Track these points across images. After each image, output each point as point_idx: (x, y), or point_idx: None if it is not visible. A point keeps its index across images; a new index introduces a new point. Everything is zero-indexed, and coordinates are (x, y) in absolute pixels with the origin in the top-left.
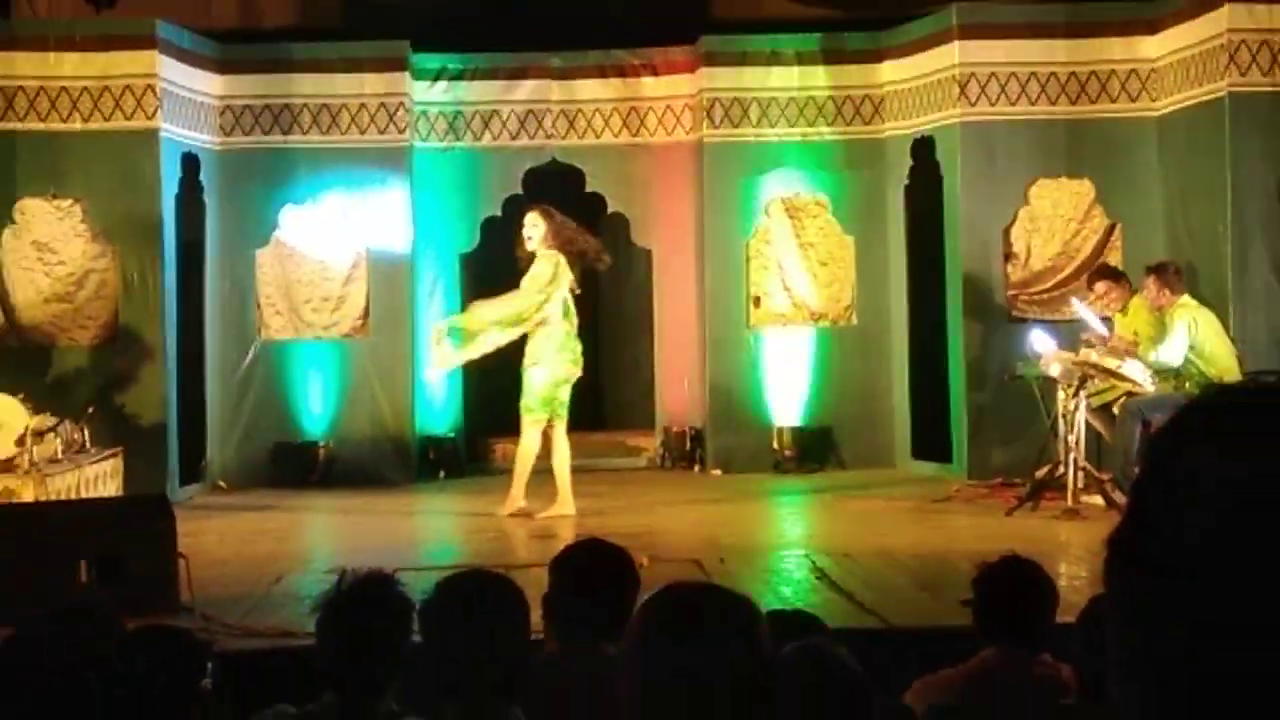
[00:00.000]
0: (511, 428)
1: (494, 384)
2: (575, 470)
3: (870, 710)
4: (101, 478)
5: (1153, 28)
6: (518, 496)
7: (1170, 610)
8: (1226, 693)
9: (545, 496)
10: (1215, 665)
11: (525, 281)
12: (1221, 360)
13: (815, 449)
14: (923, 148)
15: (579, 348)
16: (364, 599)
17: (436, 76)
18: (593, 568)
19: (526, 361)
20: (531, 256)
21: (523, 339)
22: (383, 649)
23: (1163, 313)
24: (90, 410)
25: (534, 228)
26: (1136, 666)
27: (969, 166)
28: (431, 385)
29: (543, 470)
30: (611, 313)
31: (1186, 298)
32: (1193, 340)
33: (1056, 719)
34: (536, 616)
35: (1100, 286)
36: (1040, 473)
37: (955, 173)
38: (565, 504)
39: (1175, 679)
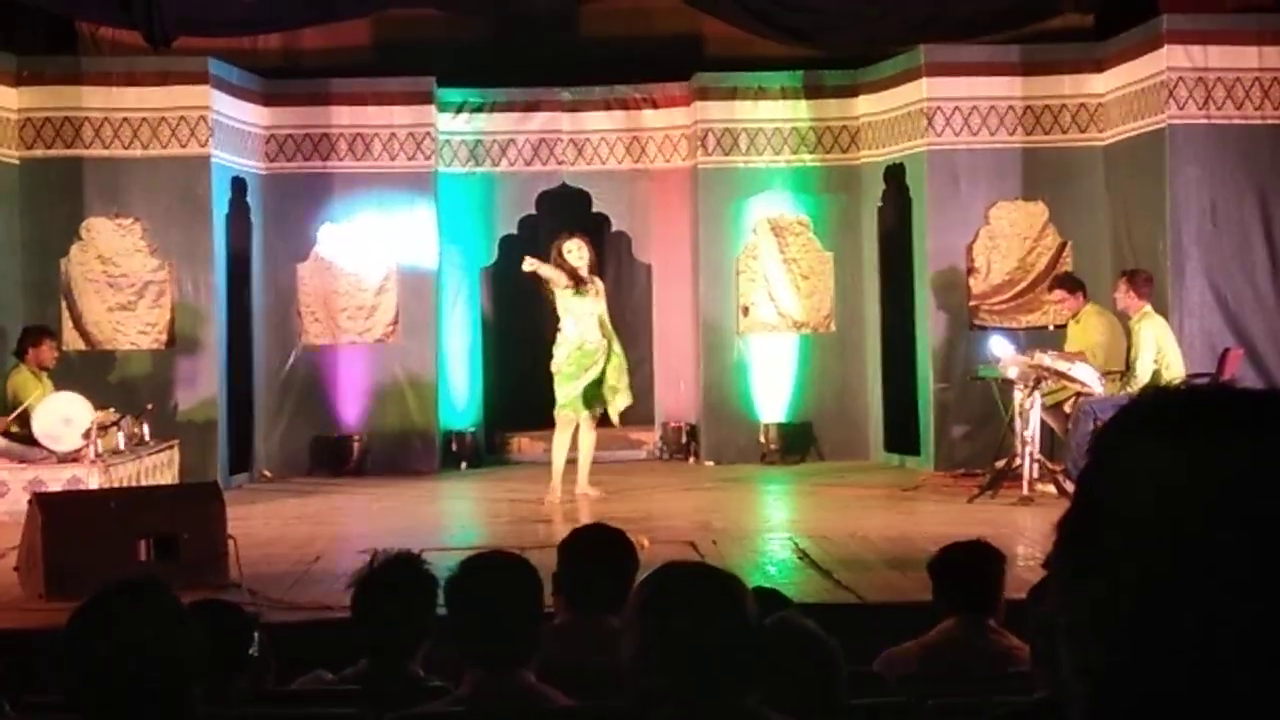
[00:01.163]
0: (527, 422)
1: (510, 383)
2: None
3: (839, 678)
4: (159, 468)
5: (1099, 66)
6: (553, 485)
7: (1111, 586)
8: (1161, 661)
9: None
10: (1148, 635)
11: (602, 302)
12: (1176, 365)
13: (797, 442)
14: (894, 173)
15: (585, 354)
16: (394, 576)
17: (459, 109)
18: (597, 548)
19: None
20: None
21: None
22: (410, 620)
23: (1127, 317)
24: (149, 407)
25: (583, 248)
26: (1080, 639)
27: (935, 190)
28: (454, 386)
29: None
30: (615, 321)
31: (1148, 307)
32: (1157, 348)
33: (1010, 684)
34: (548, 593)
35: (1058, 294)
36: (999, 464)
37: (923, 195)
38: (580, 484)
39: (1117, 649)
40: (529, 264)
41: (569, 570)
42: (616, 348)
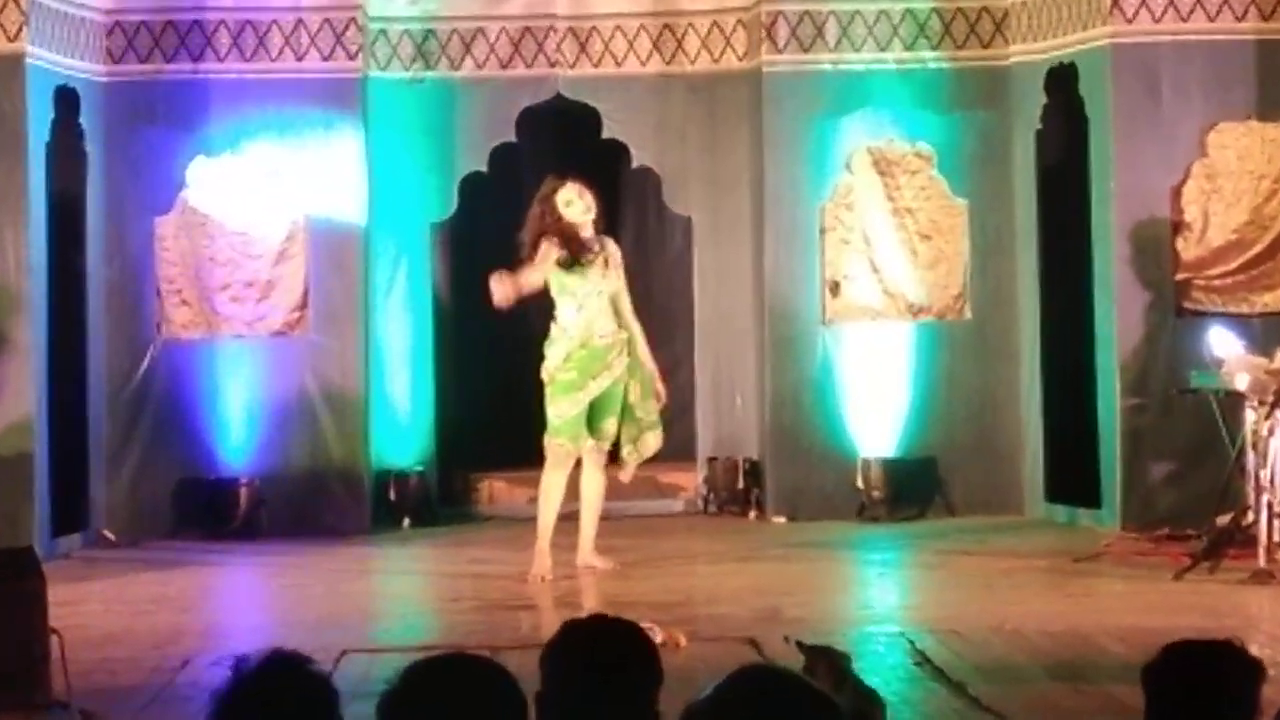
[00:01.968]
0: (500, 459)
1: (478, 400)
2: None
3: None
4: None
5: None
6: (540, 551)
7: None
8: None
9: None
10: None
11: (618, 276)
12: None
13: (914, 488)
14: (1061, 79)
15: (593, 353)
16: (271, 693)
17: None
18: (597, 655)
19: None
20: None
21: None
22: None
23: None
24: None
25: (583, 199)
26: None
27: (1124, 105)
28: (393, 403)
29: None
30: (637, 303)
31: None
32: None
33: None
34: None
35: None
36: (1222, 521)
37: (1105, 114)
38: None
39: None
40: (499, 291)
41: (556, 688)
42: (643, 349)
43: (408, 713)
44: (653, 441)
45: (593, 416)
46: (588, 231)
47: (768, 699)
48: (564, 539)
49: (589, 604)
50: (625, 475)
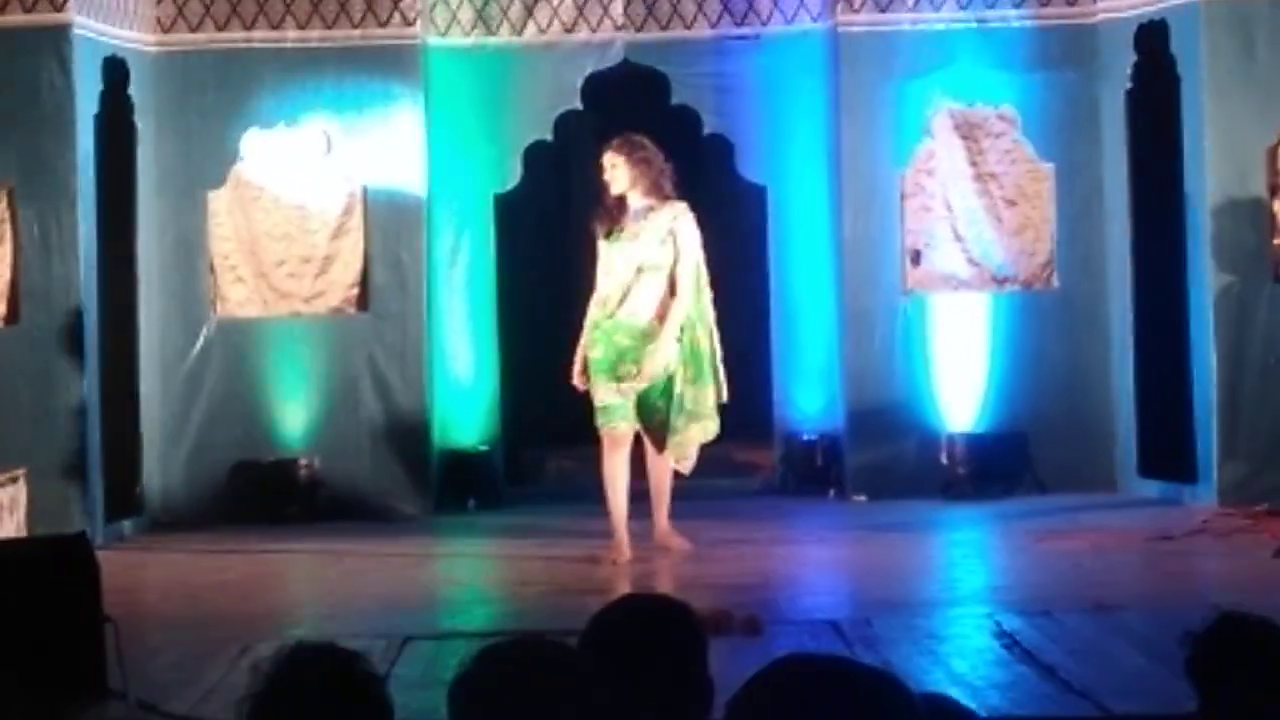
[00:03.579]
0: (571, 435)
1: (546, 377)
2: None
3: None
4: None
5: None
6: (617, 538)
7: None
8: None
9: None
10: None
11: (685, 251)
12: None
13: (1001, 465)
14: (1151, 37)
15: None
16: (307, 686)
17: None
18: (635, 639)
19: None
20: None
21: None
22: None
23: None
24: None
25: (615, 169)
26: None
27: (1218, 63)
28: (457, 381)
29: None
30: (709, 274)
31: None
32: None
33: None
34: None
35: None
36: None
37: (1198, 73)
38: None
39: None
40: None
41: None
42: (702, 330)
43: (481, 696)
44: (697, 434)
45: (643, 407)
46: (633, 199)
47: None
48: (638, 523)
49: (663, 587)
50: (683, 468)
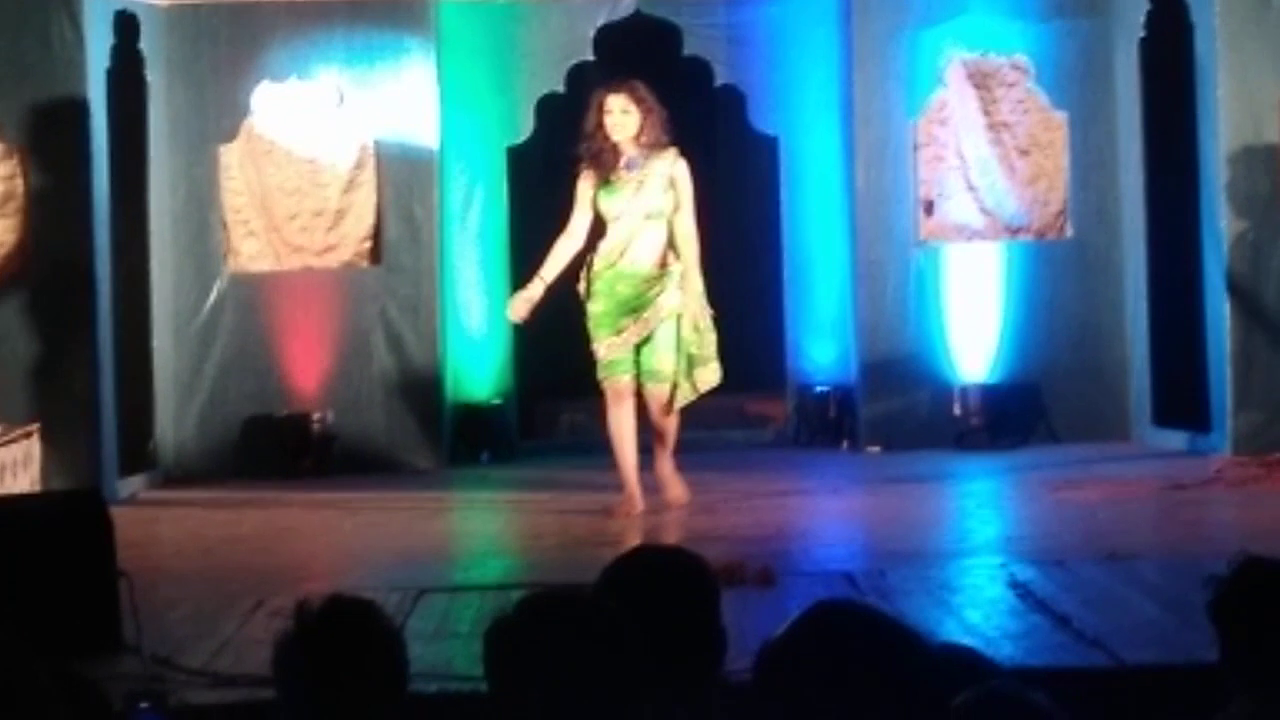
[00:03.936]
0: (583, 387)
1: (558, 329)
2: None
3: None
4: (10, 467)
5: None
6: (629, 490)
7: None
8: None
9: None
10: None
11: (670, 198)
12: None
13: (1014, 415)
14: None
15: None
16: (332, 638)
17: None
18: (649, 590)
19: None
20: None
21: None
22: (362, 702)
23: None
24: None
25: (626, 114)
26: None
27: (1234, 9)
28: (469, 334)
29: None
30: (721, 225)
31: None
32: None
33: None
34: None
35: None
36: None
37: (1211, 20)
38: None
39: None
40: (514, 312)
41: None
42: (695, 279)
43: (521, 644)
44: (709, 376)
45: (642, 356)
46: (628, 146)
47: (848, 634)
48: (648, 474)
49: (676, 539)
50: (682, 398)
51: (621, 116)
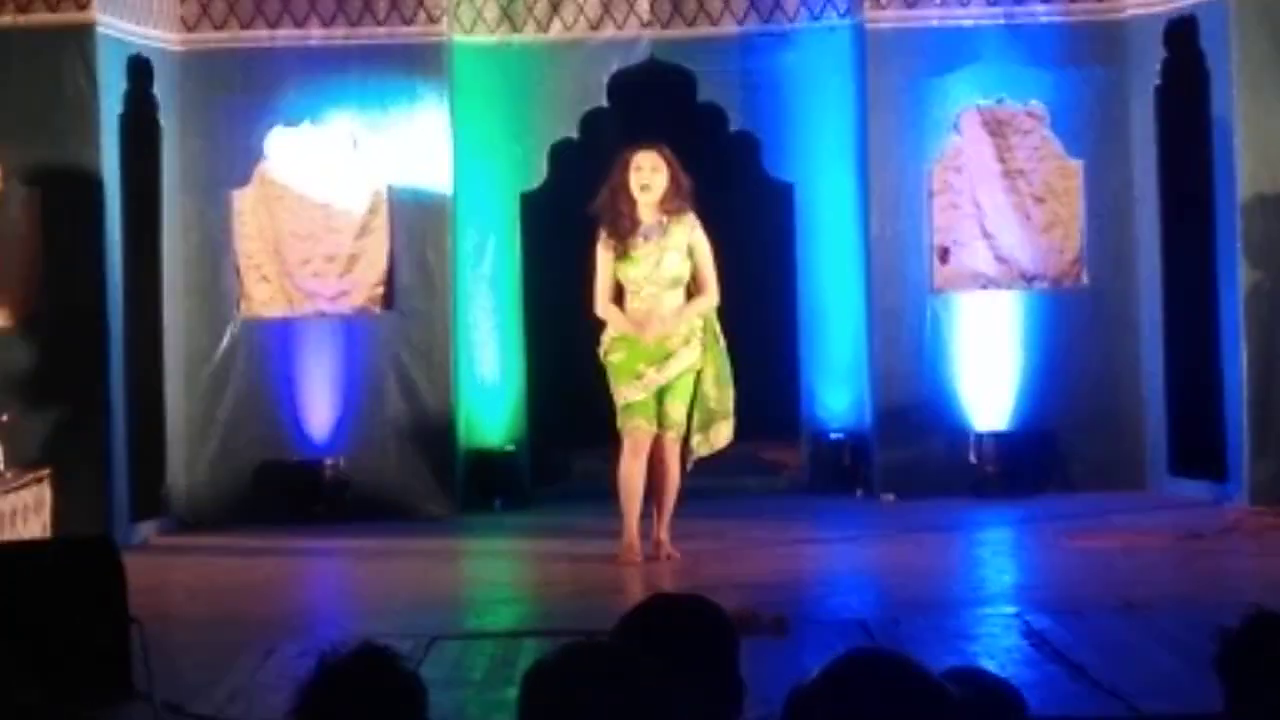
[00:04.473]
0: (598, 434)
1: (572, 375)
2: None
3: None
4: (20, 512)
5: None
6: (629, 539)
7: None
8: None
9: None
10: None
11: (686, 258)
12: None
13: (1030, 463)
14: (1182, 33)
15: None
16: (358, 689)
17: None
18: (669, 639)
19: None
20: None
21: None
22: None
23: None
24: (3, 419)
25: (656, 173)
26: None
27: (1250, 57)
28: (483, 380)
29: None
30: (735, 272)
31: None
32: None
33: None
34: None
35: None
36: None
37: (1228, 68)
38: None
39: None
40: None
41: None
42: (717, 329)
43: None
44: (725, 431)
45: (660, 403)
46: (647, 212)
47: (877, 683)
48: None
49: (689, 587)
50: (700, 450)
51: (651, 175)
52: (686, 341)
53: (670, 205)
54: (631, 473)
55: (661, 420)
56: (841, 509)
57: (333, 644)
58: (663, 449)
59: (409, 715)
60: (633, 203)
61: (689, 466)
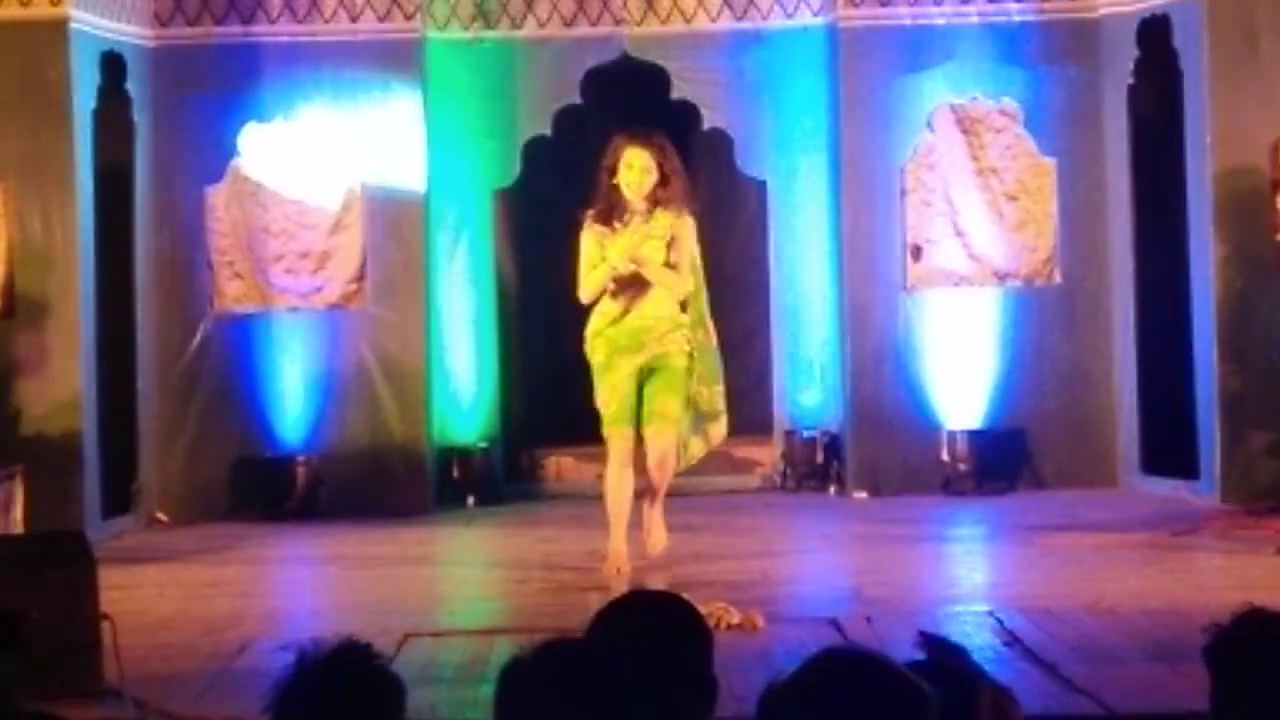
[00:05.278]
0: (570, 433)
1: (546, 373)
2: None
3: None
4: None
5: None
6: (615, 547)
7: None
8: None
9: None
10: None
11: (675, 251)
12: None
13: (1002, 461)
14: (1153, 32)
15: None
16: (335, 686)
17: None
18: (642, 637)
19: None
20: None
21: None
22: None
23: None
24: None
25: (646, 174)
26: None
27: (1222, 56)
28: (456, 378)
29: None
30: (709, 269)
31: None
32: None
33: None
34: None
35: None
36: None
37: (1200, 67)
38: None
39: None
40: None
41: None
42: (708, 325)
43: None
44: (719, 431)
45: (644, 397)
46: (638, 201)
47: (852, 681)
48: (635, 516)
49: (662, 584)
50: (695, 454)
51: (641, 175)
52: (670, 333)
53: (658, 195)
54: (619, 484)
55: (652, 416)
56: (814, 507)
57: (311, 641)
58: (653, 446)
59: (388, 713)
60: (619, 189)
61: (681, 465)
